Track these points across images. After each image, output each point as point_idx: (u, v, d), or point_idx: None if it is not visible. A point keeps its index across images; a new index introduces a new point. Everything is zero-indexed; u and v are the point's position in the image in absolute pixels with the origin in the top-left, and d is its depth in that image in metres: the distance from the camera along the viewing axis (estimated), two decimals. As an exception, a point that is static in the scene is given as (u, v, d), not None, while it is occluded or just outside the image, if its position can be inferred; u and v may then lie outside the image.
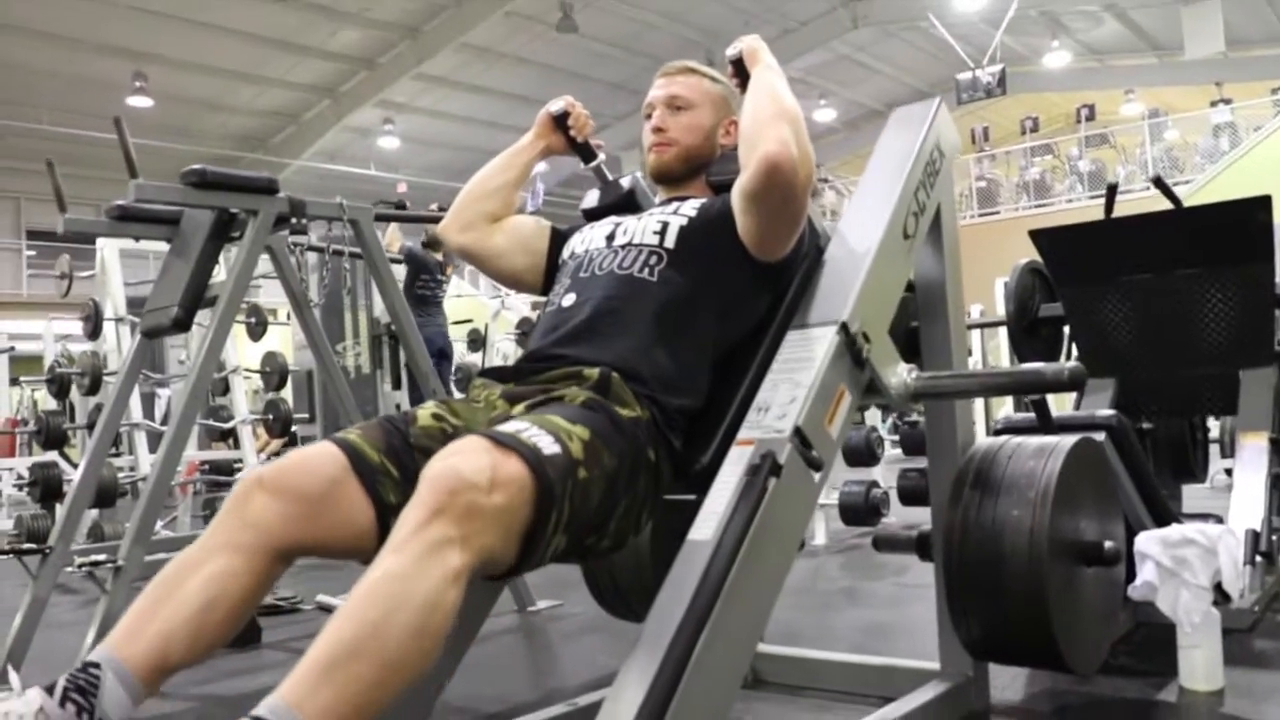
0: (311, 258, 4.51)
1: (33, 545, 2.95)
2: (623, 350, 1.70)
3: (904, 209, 1.95)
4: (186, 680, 2.87)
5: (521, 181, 2.14)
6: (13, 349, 8.55)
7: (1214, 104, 17.07)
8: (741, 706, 2.30)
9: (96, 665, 1.31)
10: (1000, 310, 3.76)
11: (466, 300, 9.61)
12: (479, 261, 2.12)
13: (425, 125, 19.29)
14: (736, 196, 1.80)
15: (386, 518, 1.43)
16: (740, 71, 1.97)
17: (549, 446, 1.43)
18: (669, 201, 1.98)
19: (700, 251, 1.82)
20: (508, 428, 1.45)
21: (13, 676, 1.32)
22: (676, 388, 1.71)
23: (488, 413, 1.67)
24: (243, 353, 6.08)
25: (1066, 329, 3.45)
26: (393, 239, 6.63)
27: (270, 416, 5.26)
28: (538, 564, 1.46)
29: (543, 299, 2.03)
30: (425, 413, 1.65)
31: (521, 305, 10.64)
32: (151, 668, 1.34)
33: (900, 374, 1.87)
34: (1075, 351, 3.40)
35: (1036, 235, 3.19)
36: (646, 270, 1.81)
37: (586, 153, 2.15)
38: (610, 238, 1.91)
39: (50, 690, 1.28)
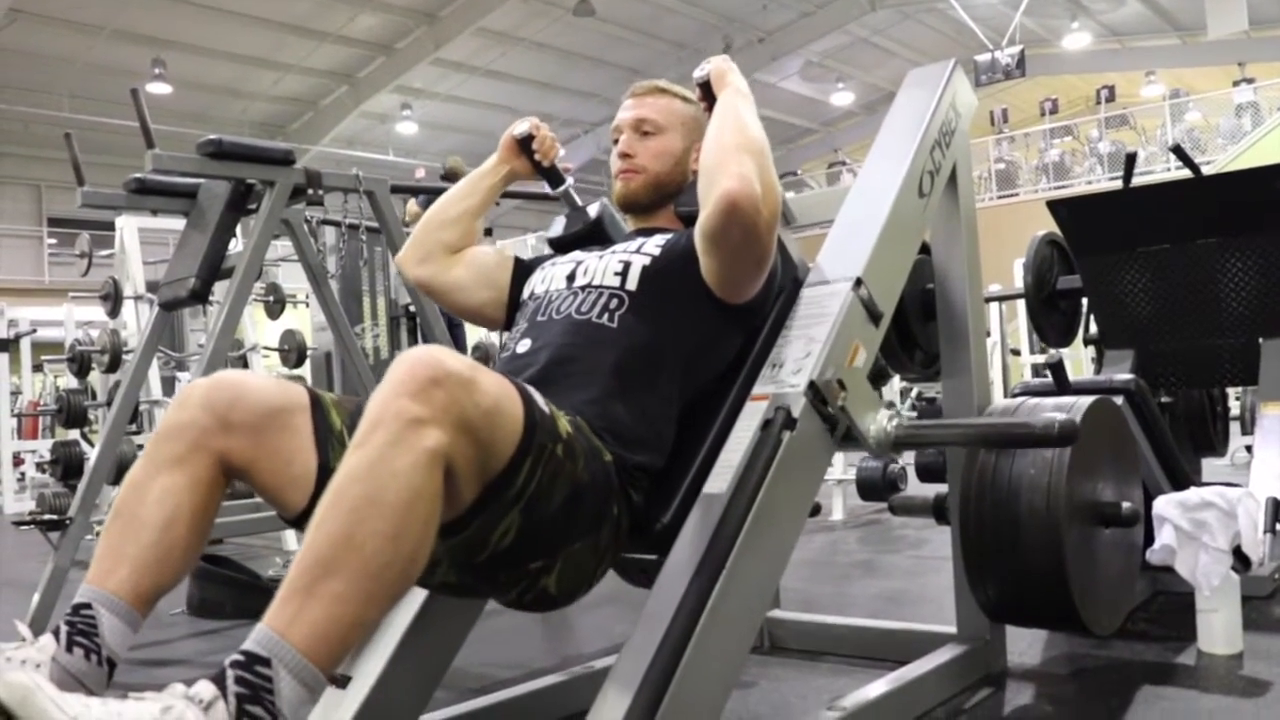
0: (330, 237, 4.54)
1: (54, 516, 2.97)
2: (579, 403, 1.54)
3: (919, 167, 1.94)
4: (203, 649, 2.90)
5: (484, 209, 2.01)
6: (34, 331, 8.62)
7: (1236, 84, 16.90)
8: (758, 671, 2.30)
9: (87, 605, 1.31)
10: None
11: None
12: (437, 296, 1.99)
13: (443, 110, 19.30)
14: (697, 236, 1.66)
15: (326, 482, 1.29)
16: (708, 95, 1.82)
17: (541, 403, 1.38)
18: (635, 234, 1.87)
19: (664, 294, 1.69)
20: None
21: (20, 627, 1.32)
22: (637, 444, 1.57)
23: None
24: (261, 332, 6.10)
25: (1085, 301, 3.43)
26: (412, 213, 6.66)
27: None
28: (481, 538, 1.33)
29: None
30: None
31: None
32: (135, 596, 1.34)
33: (880, 421, 1.72)
34: (1094, 323, 3.37)
35: (1055, 206, 3.17)
36: (606, 315, 1.67)
37: (553, 177, 2.01)
38: (571, 278, 1.77)
39: (57, 636, 1.29)
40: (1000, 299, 4.98)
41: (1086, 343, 3.61)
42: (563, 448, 1.38)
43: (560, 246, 1.97)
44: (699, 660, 1.38)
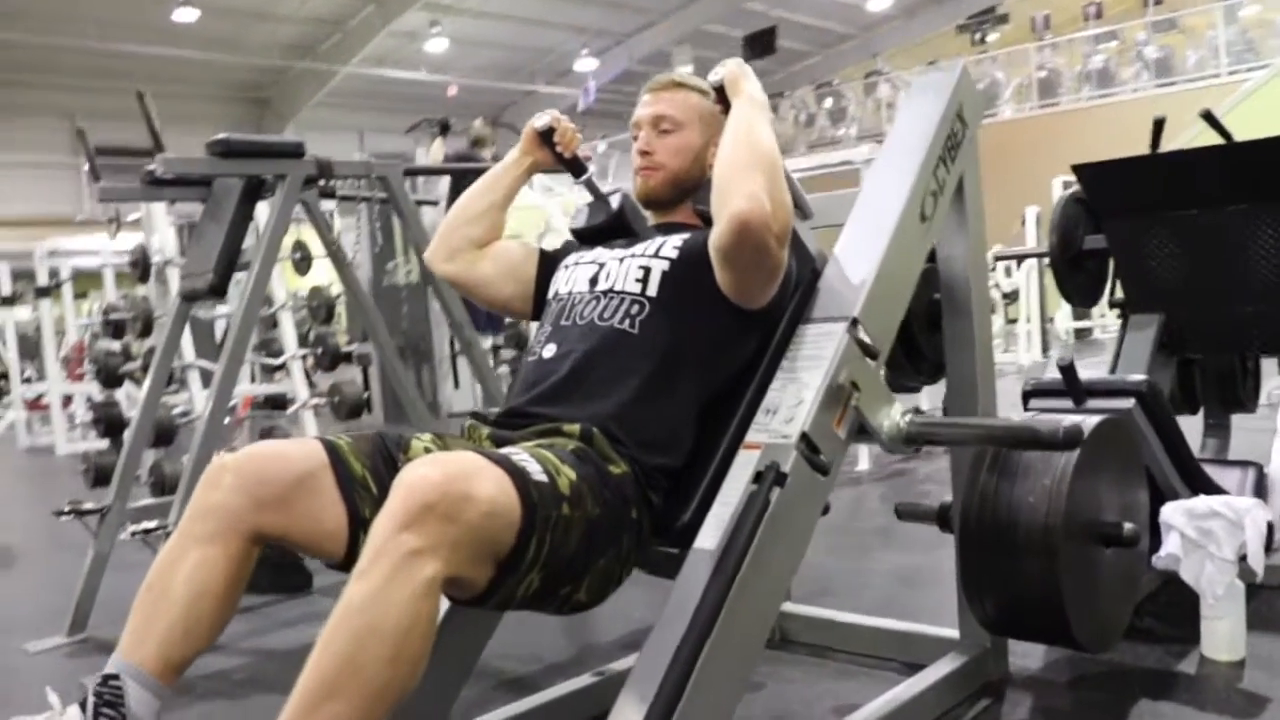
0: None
1: (91, 507, 3.08)
2: (600, 411, 1.66)
3: (921, 192, 1.91)
4: (241, 633, 2.99)
5: (508, 202, 2.08)
6: (73, 278, 8.73)
7: (1296, -24, 16.22)
8: (767, 670, 2.36)
9: (115, 676, 1.41)
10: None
11: (510, 212, 9.56)
12: (466, 290, 2.09)
13: (473, 26, 18.99)
14: (711, 250, 1.71)
15: (358, 530, 1.48)
16: (724, 98, 1.85)
17: (537, 474, 1.43)
18: (656, 229, 1.94)
19: (683, 297, 1.77)
20: (497, 451, 1.48)
21: (51, 696, 1.41)
22: (657, 447, 1.67)
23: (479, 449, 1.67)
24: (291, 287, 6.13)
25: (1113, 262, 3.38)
26: (436, 154, 6.66)
27: (319, 350, 5.35)
28: (506, 601, 1.45)
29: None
30: (419, 443, 1.66)
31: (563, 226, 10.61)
32: (163, 667, 1.43)
33: (894, 416, 1.76)
34: (1121, 285, 3.33)
35: (1080, 169, 3.12)
36: (628, 321, 1.76)
37: (575, 167, 2.06)
38: (593, 281, 1.85)
39: (84, 706, 1.38)
40: (1022, 256, 4.91)
41: (1112, 305, 3.57)
42: (568, 505, 1.46)
43: (584, 237, 2.03)
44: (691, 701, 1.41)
